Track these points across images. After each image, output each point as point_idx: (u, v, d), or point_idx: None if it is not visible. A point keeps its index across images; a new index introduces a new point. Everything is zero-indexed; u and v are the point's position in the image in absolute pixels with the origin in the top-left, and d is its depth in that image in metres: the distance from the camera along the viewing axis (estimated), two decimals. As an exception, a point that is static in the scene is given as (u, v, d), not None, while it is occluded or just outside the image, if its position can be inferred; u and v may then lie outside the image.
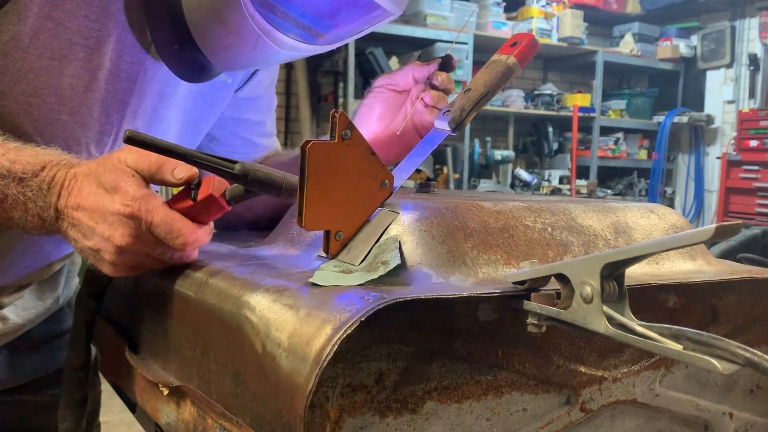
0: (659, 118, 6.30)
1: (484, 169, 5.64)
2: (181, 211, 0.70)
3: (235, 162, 0.69)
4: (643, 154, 6.42)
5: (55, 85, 0.83)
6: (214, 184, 0.70)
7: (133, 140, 0.66)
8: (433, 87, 0.97)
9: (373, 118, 1.02)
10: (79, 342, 0.84)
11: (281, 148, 1.22)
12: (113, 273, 0.72)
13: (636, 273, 0.70)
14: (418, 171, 4.65)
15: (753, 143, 5.49)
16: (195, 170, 0.71)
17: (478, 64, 4.85)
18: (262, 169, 0.69)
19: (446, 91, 0.98)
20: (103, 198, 0.69)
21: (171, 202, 0.71)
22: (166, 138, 0.74)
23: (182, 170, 0.70)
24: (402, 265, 0.61)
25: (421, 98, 0.97)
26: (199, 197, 0.70)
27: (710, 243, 0.54)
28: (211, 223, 0.74)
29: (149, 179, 0.71)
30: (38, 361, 1.08)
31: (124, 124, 0.92)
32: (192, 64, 0.92)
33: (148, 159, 0.70)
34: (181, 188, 0.72)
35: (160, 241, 0.70)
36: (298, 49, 0.88)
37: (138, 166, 0.70)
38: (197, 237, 0.71)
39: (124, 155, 0.71)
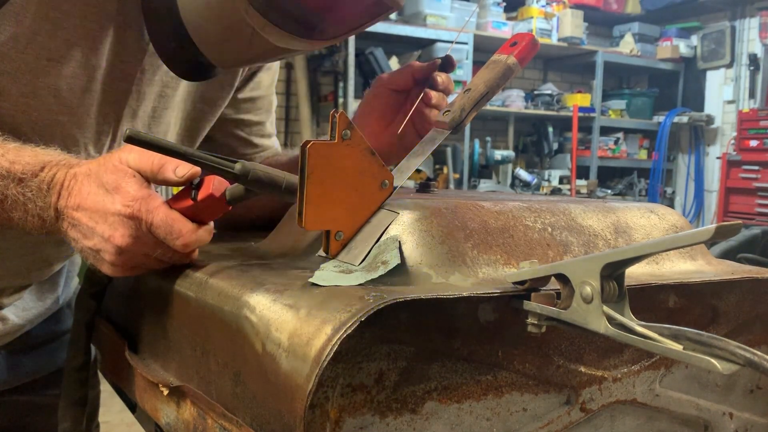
0: (659, 118, 6.30)
1: (484, 169, 5.64)
2: (182, 211, 0.70)
3: (235, 162, 0.69)
4: (643, 154, 6.41)
5: (53, 86, 0.83)
6: (214, 184, 0.70)
7: (134, 139, 0.66)
8: (433, 87, 0.97)
9: (373, 118, 1.01)
10: (79, 342, 0.84)
11: (281, 148, 1.22)
12: (113, 273, 0.72)
13: (636, 273, 0.70)
14: (418, 171, 4.65)
15: (753, 143, 5.49)
16: (197, 168, 0.70)
17: (478, 64, 4.85)
18: (262, 169, 0.69)
19: (446, 92, 0.98)
20: (104, 198, 0.69)
21: (171, 202, 0.71)
22: (166, 138, 0.74)
23: (184, 168, 0.70)
24: (402, 265, 0.61)
25: (421, 98, 0.97)
26: (200, 197, 0.70)
27: (710, 243, 0.54)
28: (211, 223, 0.73)
29: (151, 179, 0.71)
30: (38, 361, 1.08)
31: (122, 125, 0.92)
32: (190, 62, 0.91)
33: (150, 159, 0.70)
34: (181, 188, 0.72)
35: (161, 242, 0.70)
36: (294, 44, 0.87)
37: (140, 166, 0.70)
38: (197, 237, 0.70)
39: (126, 155, 0.70)
